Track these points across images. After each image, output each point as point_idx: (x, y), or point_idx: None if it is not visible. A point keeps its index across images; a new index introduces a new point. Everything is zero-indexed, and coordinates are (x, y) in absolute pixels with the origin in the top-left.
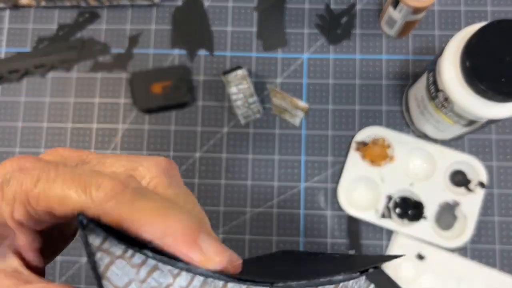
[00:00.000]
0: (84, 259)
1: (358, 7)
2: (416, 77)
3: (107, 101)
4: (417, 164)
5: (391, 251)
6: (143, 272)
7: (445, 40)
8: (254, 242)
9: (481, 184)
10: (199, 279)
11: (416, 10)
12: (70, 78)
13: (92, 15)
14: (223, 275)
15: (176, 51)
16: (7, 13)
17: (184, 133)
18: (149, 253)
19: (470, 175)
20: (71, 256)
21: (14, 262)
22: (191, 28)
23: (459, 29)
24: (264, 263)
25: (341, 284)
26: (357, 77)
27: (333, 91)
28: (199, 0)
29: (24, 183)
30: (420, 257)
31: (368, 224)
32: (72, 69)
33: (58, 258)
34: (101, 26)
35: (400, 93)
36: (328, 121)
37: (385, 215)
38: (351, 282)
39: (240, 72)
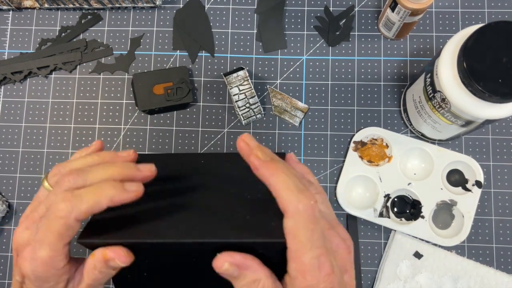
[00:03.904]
0: None
1: (357, 9)
2: (413, 78)
3: (110, 102)
4: (415, 164)
5: (389, 249)
6: None
7: (442, 41)
8: None
9: (478, 184)
10: None
11: (414, 12)
12: (73, 79)
13: (94, 17)
14: None
15: (178, 53)
16: (10, 14)
17: (186, 134)
18: None
19: (467, 175)
20: None
21: None
22: (192, 30)
23: (456, 30)
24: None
25: None
26: (356, 78)
27: (332, 92)
28: (200, 2)
29: None
30: (418, 255)
31: (367, 223)
32: (75, 70)
33: None
34: (103, 27)
35: (398, 94)
36: (327, 122)
37: (383, 214)
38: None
39: (241, 73)
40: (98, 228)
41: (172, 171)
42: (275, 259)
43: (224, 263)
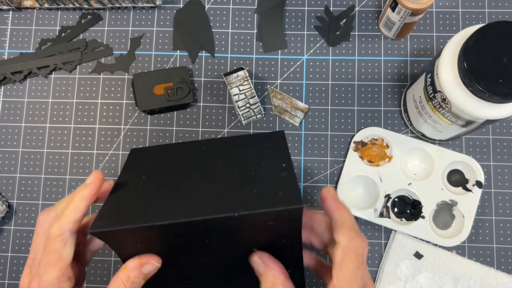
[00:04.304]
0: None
1: (357, 9)
2: (414, 78)
3: (110, 102)
4: (415, 164)
5: (390, 249)
6: None
7: (443, 41)
8: None
9: (478, 184)
10: None
11: (414, 12)
12: (73, 79)
13: (94, 17)
14: None
15: (178, 53)
16: (10, 14)
17: (186, 134)
18: None
19: (467, 175)
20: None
21: None
22: (192, 30)
23: (457, 30)
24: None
25: None
26: (356, 78)
27: (332, 92)
28: (200, 2)
29: None
30: (418, 255)
31: (367, 223)
32: (75, 70)
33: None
34: (103, 27)
35: (398, 94)
36: (327, 122)
37: (384, 214)
38: None
39: (241, 74)
40: (107, 219)
41: (175, 159)
42: (283, 229)
43: (255, 255)
